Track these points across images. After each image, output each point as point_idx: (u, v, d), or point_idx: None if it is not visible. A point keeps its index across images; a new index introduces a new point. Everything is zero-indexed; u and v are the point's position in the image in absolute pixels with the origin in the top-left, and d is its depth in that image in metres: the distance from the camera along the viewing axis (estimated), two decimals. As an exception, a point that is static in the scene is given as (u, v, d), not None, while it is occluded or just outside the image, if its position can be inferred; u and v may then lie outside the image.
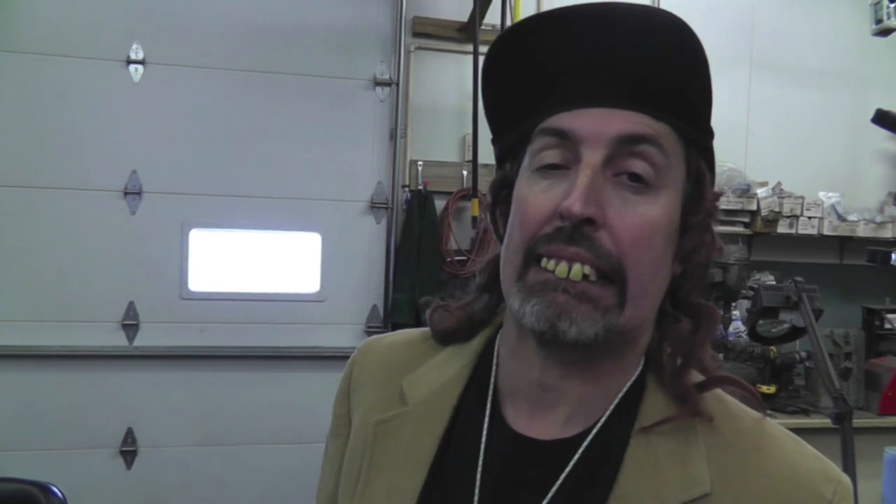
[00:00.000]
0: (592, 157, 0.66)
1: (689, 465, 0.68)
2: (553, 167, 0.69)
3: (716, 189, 0.74)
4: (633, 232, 0.66)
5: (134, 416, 3.02)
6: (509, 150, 0.76)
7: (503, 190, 0.76)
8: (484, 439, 0.74)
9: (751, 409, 0.75)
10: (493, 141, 0.78)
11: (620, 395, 0.73)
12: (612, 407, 0.72)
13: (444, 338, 0.82)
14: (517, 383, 0.75)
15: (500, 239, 0.77)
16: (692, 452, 0.69)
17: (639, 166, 0.67)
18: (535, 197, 0.69)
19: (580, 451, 0.71)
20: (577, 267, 0.65)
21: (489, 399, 0.76)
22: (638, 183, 0.67)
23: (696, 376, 0.73)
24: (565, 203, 0.65)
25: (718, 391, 0.74)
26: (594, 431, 0.72)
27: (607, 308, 0.66)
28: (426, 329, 0.85)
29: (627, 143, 0.67)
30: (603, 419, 0.72)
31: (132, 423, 3.02)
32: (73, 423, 2.96)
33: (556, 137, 0.69)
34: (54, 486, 1.80)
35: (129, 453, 3.02)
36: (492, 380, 0.77)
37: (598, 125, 0.67)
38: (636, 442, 0.70)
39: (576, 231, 0.65)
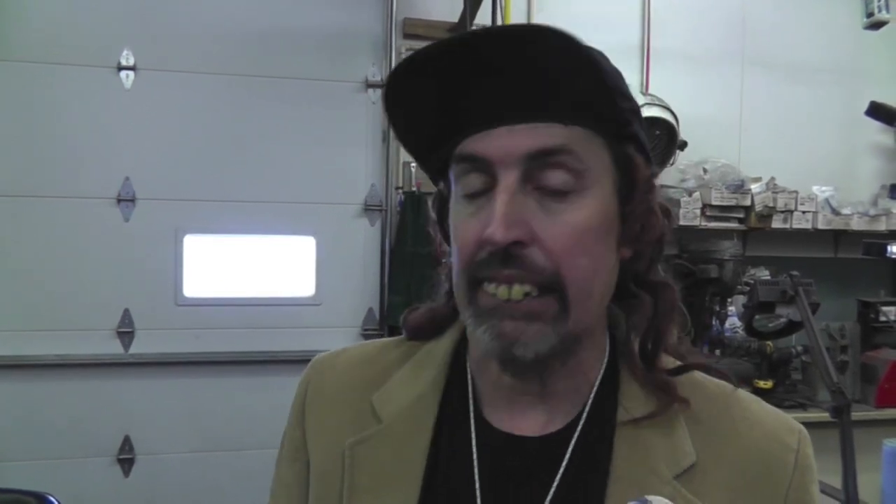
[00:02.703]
0: (507, 178, 0.67)
1: (675, 439, 0.72)
2: (477, 192, 0.69)
3: (653, 167, 0.75)
4: (562, 241, 0.67)
5: (131, 424, 3.01)
6: (436, 171, 0.76)
7: (444, 207, 0.77)
8: (475, 443, 0.74)
9: (719, 381, 0.79)
10: (418, 166, 0.79)
11: (596, 385, 0.75)
12: (591, 397, 0.74)
13: (414, 333, 0.83)
14: (491, 387, 0.76)
15: None
16: (676, 428, 0.72)
17: (556, 177, 0.68)
18: (464, 224, 0.70)
19: (572, 443, 0.72)
20: (516, 288, 0.67)
21: (471, 404, 0.76)
22: (560, 192, 0.68)
23: (667, 359, 0.76)
24: (487, 232, 0.66)
25: None
26: (581, 424, 0.73)
27: (554, 318, 0.67)
28: (384, 340, 0.86)
29: (539, 158, 0.67)
30: (586, 411, 0.74)
31: (129, 431, 3.01)
32: (69, 431, 2.94)
33: (469, 163, 0.69)
34: (51, 495, 1.78)
35: (126, 461, 3.00)
36: (469, 385, 0.78)
37: (506, 145, 0.67)
38: (623, 426, 0.73)
39: (507, 253, 0.66)
